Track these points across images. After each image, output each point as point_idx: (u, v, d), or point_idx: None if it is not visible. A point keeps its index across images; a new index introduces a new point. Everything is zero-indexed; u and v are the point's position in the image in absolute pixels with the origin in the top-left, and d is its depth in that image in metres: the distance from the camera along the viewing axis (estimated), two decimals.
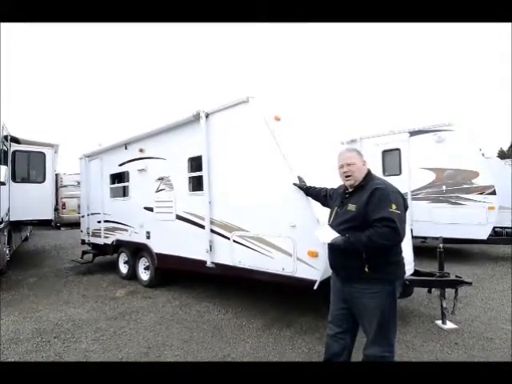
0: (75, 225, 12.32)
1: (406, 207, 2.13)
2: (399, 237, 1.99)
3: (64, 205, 14.67)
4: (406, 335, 3.33)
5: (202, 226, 4.31)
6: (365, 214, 2.06)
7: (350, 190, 2.28)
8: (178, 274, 5.45)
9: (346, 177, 2.25)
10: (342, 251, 2.13)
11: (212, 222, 4.18)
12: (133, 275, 5.80)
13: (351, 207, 2.15)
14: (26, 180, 7.79)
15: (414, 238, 6.08)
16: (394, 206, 1.99)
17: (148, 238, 5.41)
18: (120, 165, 6.13)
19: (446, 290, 3.58)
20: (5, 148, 6.73)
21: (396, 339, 2.23)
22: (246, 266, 3.77)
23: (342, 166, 2.28)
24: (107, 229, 6.58)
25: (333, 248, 2.25)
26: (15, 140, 7.50)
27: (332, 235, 2.15)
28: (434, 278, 3.65)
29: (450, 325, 3.54)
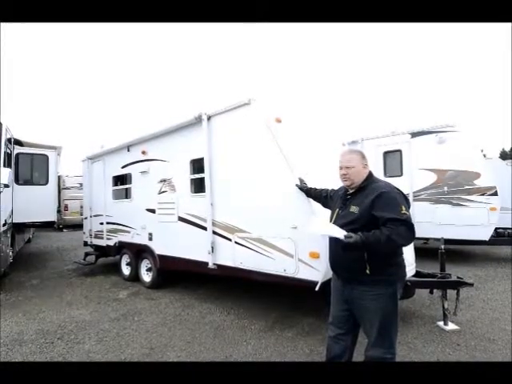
0: (78, 226, 12.39)
1: (408, 207, 2.15)
2: (414, 237, 2.03)
3: (66, 207, 14.78)
4: (407, 336, 3.34)
5: (204, 228, 4.33)
6: (368, 216, 2.06)
7: (351, 191, 2.29)
8: (180, 276, 5.47)
9: (344, 179, 2.28)
10: (344, 252, 2.14)
11: (214, 224, 4.21)
12: (135, 277, 5.83)
13: (353, 209, 2.16)
14: (29, 182, 7.84)
15: (415, 239, 6.08)
16: (403, 208, 2.01)
17: (150, 239, 5.43)
18: (122, 167, 6.17)
19: (448, 291, 3.59)
20: (8, 151, 6.77)
21: (397, 340, 2.24)
22: (248, 267, 3.79)
23: (341, 168, 2.29)
24: (110, 230, 6.61)
25: (334, 249, 2.27)
26: (18, 143, 7.56)
27: (339, 232, 2.07)
28: (435, 279, 3.66)
29: (451, 326, 3.55)
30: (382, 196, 2.06)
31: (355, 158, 2.26)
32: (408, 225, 1.97)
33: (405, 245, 2.08)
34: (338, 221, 2.27)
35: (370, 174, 2.28)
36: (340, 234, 2.06)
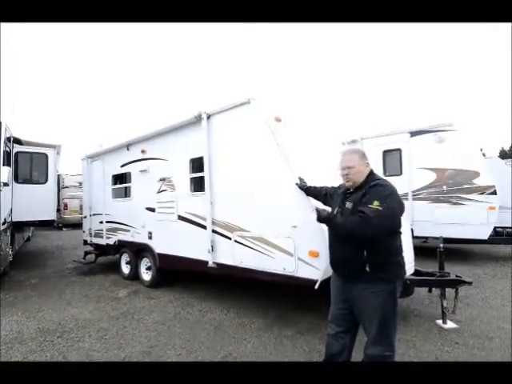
0: (77, 225, 12.40)
1: (400, 208, 2.09)
2: (369, 231, 2.00)
3: (66, 205, 14.77)
4: (406, 334, 3.35)
5: (204, 227, 4.33)
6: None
7: (351, 189, 2.31)
8: (179, 275, 5.47)
9: (345, 179, 2.31)
10: (343, 250, 2.18)
11: (213, 223, 4.21)
12: (135, 275, 5.84)
13: (348, 205, 2.21)
14: (29, 181, 7.82)
15: (414, 237, 6.11)
16: (375, 203, 1.99)
17: (150, 238, 5.44)
18: (122, 166, 6.17)
19: (447, 289, 3.60)
20: (7, 149, 6.77)
21: (396, 338, 2.25)
22: (248, 266, 3.79)
23: (342, 168, 2.31)
24: (109, 229, 6.61)
25: (334, 247, 2.31)
26: (17, 141, 7.55)
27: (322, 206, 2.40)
28: (434, 278, 3.67)
29: (450, 324, 3.56)
30: (370, 190, 2.10)
31: (355, 158, 2.29)
32: (363, 217, 1.98)
33: (354, 234, 2.07)
34: None
35: (371, 173, 2.29)
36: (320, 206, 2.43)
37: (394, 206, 2.05)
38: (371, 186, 2.11)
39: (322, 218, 2.35)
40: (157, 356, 3.09)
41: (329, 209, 2.42)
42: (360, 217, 2.01)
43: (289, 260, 3.37)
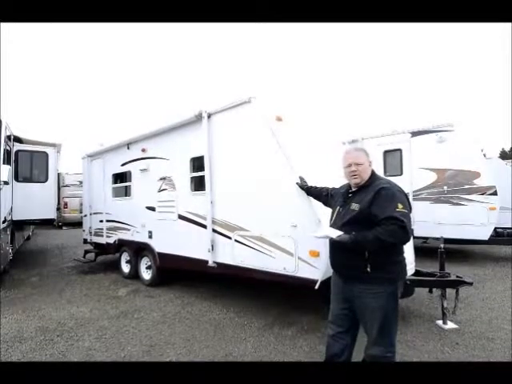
0: (77, 224, 12.39)
1: (410, 208, 2.13)
2: (408, 235, 1.99)
3: (66, 204, 14.78)
4: (407, 335, 3.34)
5: (204, 226, 4.33)
6: (368, 213, 2.06)
7: (354, 189, 2.29)
8: (179, 274, 5.47)
9: (353, 176, 2.25)
10: (345, 250, 2.13)
11: (214, 222, 4.20)
12: (135, 274, 5.84)
13: (354, 206, 2.16)
14: (29, 179, 7.83)
15: (415, 238, 6.10)
16: (400, 206, 1.99)
17: (150, 237, 5.43)
18: (122, 165, 6.17)
19: (447, 290, 3.60)
20: (8, 148, 6.76)
21: (397, 339, 2.25)
22: (248, 266, 3.79)
23: (349, 165, 2.25)
24: (109, 228, 6.61)
25: (335, 247, 2.27)
26: (18, 140, 7.55)
27: (334, 232, 2.14)
28: (434, 278, 3.67)
29: (450, 325, 3.56)
30: (381, 192, 2.06)
31: (362, 155, 2.27)
32: (400, 224, 1.93)
33: (397, 243, 2.06)
34: (338, 218, 2.28)
35: (374, 172, 2.28)
36: (334, 234, 2.13)
37: (410, 205, 2.14)
38: (382, 189, 2.08)
39: (352, 242, 2.05)
40: (157, 355, 3.09)
41: (338, 232, 2.14)
42: (396, 224, 1.94)
43: (289, 260, 3.36)
